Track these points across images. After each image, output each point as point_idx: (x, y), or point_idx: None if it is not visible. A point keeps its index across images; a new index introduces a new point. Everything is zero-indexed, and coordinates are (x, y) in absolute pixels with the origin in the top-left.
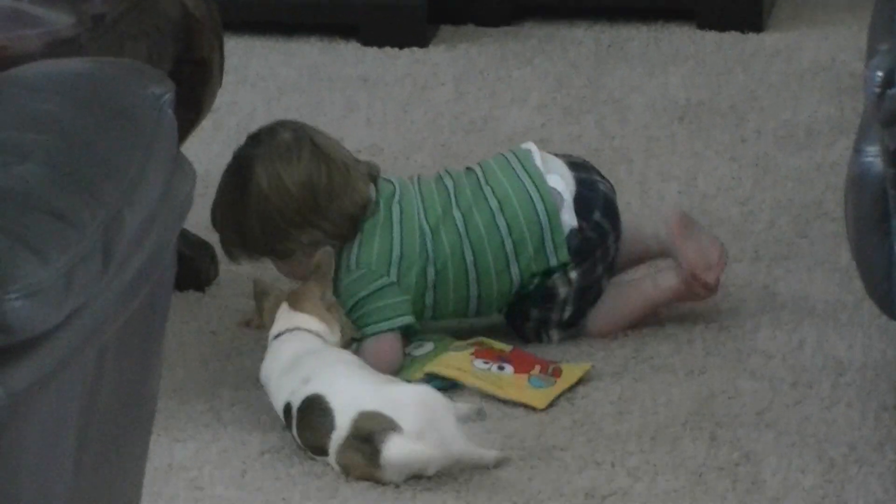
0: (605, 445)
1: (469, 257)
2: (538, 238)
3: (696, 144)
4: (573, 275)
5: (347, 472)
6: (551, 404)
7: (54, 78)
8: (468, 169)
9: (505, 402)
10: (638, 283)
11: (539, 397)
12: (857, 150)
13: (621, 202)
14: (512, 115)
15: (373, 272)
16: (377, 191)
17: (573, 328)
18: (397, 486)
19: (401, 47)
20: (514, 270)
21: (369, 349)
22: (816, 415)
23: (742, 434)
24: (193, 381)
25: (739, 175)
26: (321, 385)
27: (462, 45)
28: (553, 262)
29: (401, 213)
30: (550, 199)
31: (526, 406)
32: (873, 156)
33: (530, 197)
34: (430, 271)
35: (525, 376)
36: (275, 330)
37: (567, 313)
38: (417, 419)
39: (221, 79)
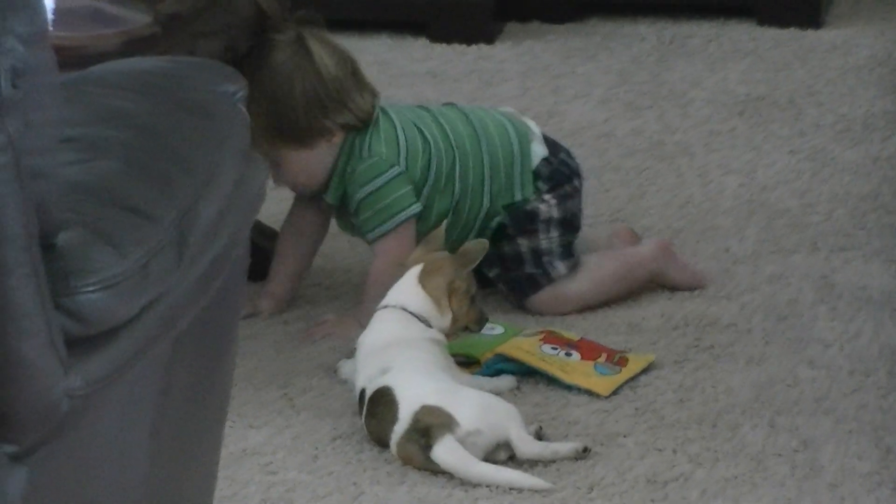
0: (667, 432)
1: (458, 168)
2: (510, 166)
3: (756, 138)
4: (548, 197)
5: (406, 463)
6: (614, 392)
7: (131, 76)
8: (445, 104)
9: (569, 388)
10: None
11: (604, 384)
12: None
13: (683, 195)
14: (576, 109)
15: (384, 160)
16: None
17: (573, 259)
18: None
19: (468, 44)
20: (487, 192)
21: (379, 248)
22: (873, 403)
23: (800, 421)
24: (267, 369)
25: (798, 168)
26: (394, 378)
27: (527, 41)
28: (518, 196)
29: (398, 116)
30: (523, 130)
31: (590, 393)
32: None
33: (505, 127)
34: (431, 167)
35: (591, 363)
36: (386, 299)
37: (555, 239)
38: (476, 418)
39: None
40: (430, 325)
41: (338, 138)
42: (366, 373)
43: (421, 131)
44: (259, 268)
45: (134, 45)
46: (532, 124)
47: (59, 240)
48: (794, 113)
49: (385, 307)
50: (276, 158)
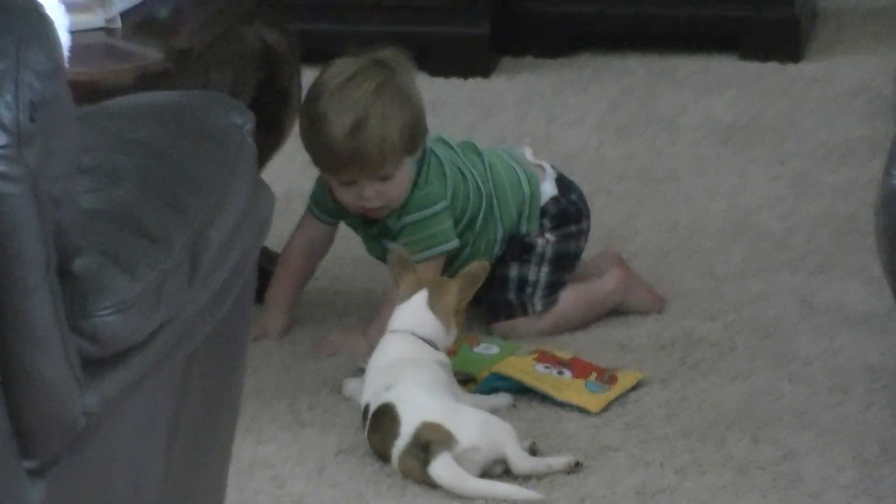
0: (655, 446)
1: (483, 207)
2: (520, 205)
3: (740, 164)
4: (549, 234)
5: (406, 476)
6: (605, 409)
7: (145, 108)
8: (463, 142)
9: (562, 405)
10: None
11: (594, 401)
12: (887, 173)
13: (671, 218)
14: (569, 136)
15: (436, 192)
16: None
17: (553, 297)
18: None
19: (465, 77)
20: (499, 229)
21: (419, 271)
22: (852, 416)
23: (783, 434)
24: (275, 386)
25: (780, 192)
26: (398, 394)
27: (522, 74)
28: (523, 228)
29: (441, 153)
30: (531, 172)
31: (581, 409)
32: None
33: (515, 170)
34: (469, 205)
35: (583, 381)
36: (393, 324)
37: (544, 274)
38: (475, 436)
39: (301, 105)
40: (437, 348)
41: (410, 169)
42: (371, 388)
43: (460, 170)
44: (264, 290)
45: (147, 80)
46: (547, 165)
47: (75, 265)
48: (776, 140)
49: (394, 332)
50: (393, 173)
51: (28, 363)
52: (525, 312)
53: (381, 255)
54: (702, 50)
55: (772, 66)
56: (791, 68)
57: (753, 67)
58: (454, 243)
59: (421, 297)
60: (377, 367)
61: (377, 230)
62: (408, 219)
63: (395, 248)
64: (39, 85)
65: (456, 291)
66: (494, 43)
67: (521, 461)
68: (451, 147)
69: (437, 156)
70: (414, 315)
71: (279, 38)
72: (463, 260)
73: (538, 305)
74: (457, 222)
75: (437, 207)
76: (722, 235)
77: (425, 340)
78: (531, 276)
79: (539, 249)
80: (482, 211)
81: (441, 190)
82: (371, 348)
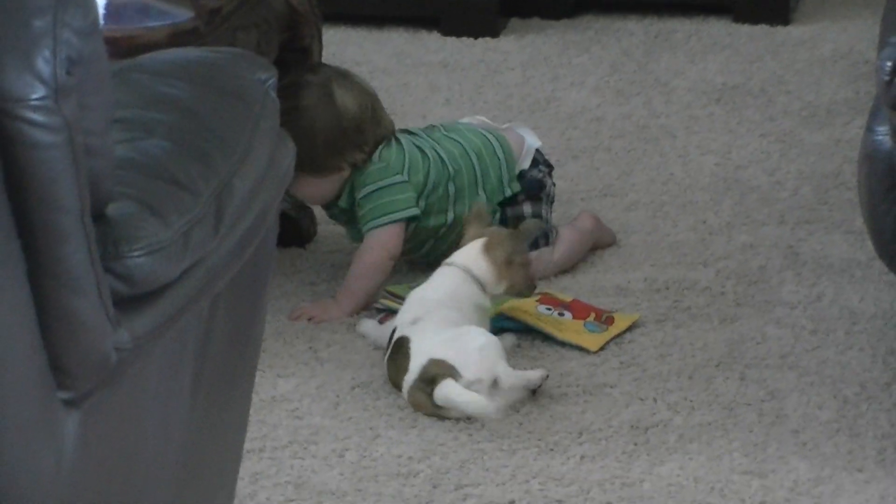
0: (649, 383)
1: (450, 176)
2: (497, 168)
3: (731, 122)
4: (548, 179)
5: (416, 409)
6: (602, 348)
7: (176, 64)
8: (427, 126)
9: (563, 344)
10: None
11: (593, 340)
12: (869, 130)
13: (666, 173)
14: (571, 96)
15: (391, 168)
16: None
17: (557, 233)
18: (468, 419)
19: (475, 37)
20: (480, 194)
21: (373, 238)
22: (833, 358)
23: (768, 374)
24: (295, 325)
25: (768, 149)
26: (416, 330)
27: (529, 35)
28: (507, 192)
29: (403, 139)
30: (502, 136)
31: (581, 348)
32: (883, 134)
33: (486, 136)
34: (430, 177)
35: (582, 322)
36: (451, 259)
37: (548, 211)
38: (477, 369)
39: (321, 63)
40: (485, 290)
41: (347, 172)
42: (401, 317)
43: (419, 147)
44: (287, 235)
45: (179, 38)
46: (510, 124)
47: (109, 210)
48: (765, 100)
49: (450, 265)
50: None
51: (64, 303)
52: (547, 242)
53: (360, 239)
54: (697, 13)
55: (762, 29)
56: (780, 31)
57: (745, 30)
58: (413, 211)
59: (479, 242)
60: (417, 297)
61: (339, 214)
62: (364, 190)
63: (477, 203)
64: (77, 41)
65: (509, 244)
66: (504, 4)
67: (507, 378)
68: (412, 133)
69: (397, 140)
70: (469, 255)
71: (301, 0)
72: (449, 227)
73: (552, 235)
74: (422, 191)
75: (392, 180)
76: (713, 189)
77: (477, 280)
78: (543, 213)
79: (547, 189)
80: (450, 180)
81: (397, 166)
82: (343, 313)
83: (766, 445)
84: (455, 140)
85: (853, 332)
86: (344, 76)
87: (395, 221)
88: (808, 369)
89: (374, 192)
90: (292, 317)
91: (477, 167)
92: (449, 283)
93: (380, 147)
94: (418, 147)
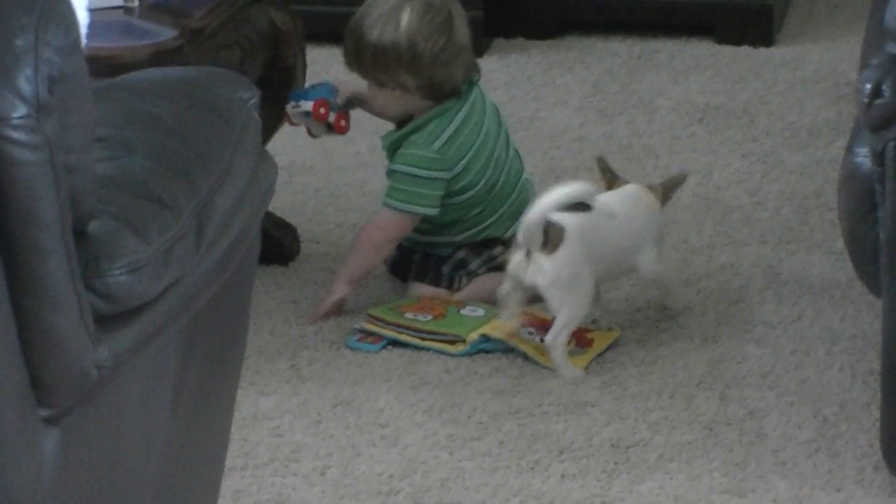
0: (629, 402)
1: (491, 186)
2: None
3: (713, 142)
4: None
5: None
6: (584, 367)
7: (158, 83)
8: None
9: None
10: None
11: (574, 363)
12: (850, 151)
13: None
14: (555, 115)
15: (440, 163)
16: (465, 88)
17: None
18: (449, 435)
19: None
20: (509, 170)
21: (385, 217)
22: (813, 378)
23: (748, 394)
24: (277, 343)
25: (750, 169)
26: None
27: (513, 55)
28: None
29: (471, 115)
30: (527, 179)
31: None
32: (863, 156)
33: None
34: (477, 186)
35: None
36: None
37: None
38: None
39: (304, 82)
40: (651, 213)
41: (407, 96)
42: (547, 199)
43: (482, 144)
44: (270, 253)
45: (161, 57)
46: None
47: (90, 228)
48: (747, 121)
49: (632, 184)
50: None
51: (44, 320)
52: (449, 287)
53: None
54: (680, 34)
55: (745, 50)
56: (763, 52)
57: (727, 51)
58: (432, 211)
59: (637, 186)
60: (586, 190)
61: (388, 145)
62: (402, 167)
63: (601, 158)
64: (58, 60)
65: (661, 192)
66: (488, 24)
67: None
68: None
69: (463, 112)
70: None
71: (285, 19)
72: (491, 203)
73: (463, 283)
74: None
75: (435, 175)
76: (694, 209)
77: (646, 202)
78: (472, 266)
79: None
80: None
81: (450, 162)
82: (346, 285)
83: (746, 465)
84: (515, 159)
85: (833, 352)
86: (430, 6)
87: (412, 213)
88: (788, 389)
89: (411, 175)
90: (310, 318)
91: (513, 195)
92: (621, 197)
93: (446, 117)
94: (481, 139)
